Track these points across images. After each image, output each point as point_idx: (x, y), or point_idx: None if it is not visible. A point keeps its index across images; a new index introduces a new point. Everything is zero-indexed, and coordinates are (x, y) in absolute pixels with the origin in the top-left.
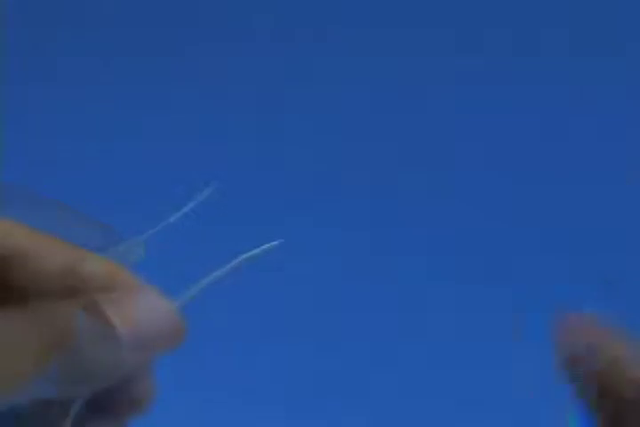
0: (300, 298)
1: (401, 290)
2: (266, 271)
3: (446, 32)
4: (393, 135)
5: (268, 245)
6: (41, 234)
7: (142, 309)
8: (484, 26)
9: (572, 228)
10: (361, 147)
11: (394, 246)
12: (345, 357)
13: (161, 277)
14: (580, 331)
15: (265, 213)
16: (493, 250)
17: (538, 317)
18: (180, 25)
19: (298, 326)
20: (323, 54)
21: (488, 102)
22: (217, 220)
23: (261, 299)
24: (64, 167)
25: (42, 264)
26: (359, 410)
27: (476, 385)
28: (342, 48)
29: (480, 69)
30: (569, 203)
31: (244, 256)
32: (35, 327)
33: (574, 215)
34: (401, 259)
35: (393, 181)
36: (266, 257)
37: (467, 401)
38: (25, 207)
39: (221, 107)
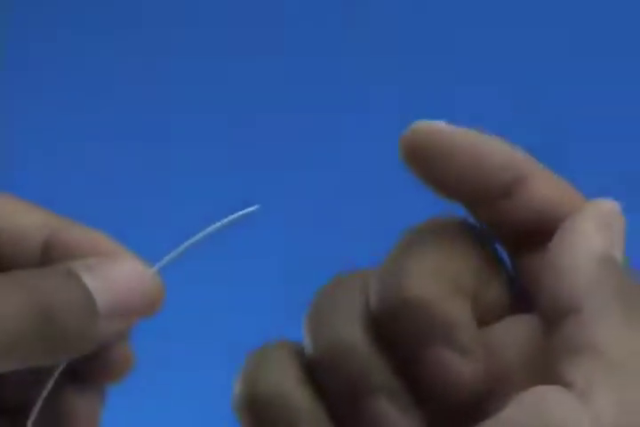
0: None
1: None
2: None
3: None
4: None
5: (245, 211)
6: (22, 202)
7: (120, 275)
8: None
9: None
10: None
11: None
12: None
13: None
14: None
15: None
16: None
17: None
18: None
19: None
20: None
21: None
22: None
23: None
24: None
25: (23, 232)
26: None
27: None
28: None
29: None
30: None
31: (221, 222)
32: (15, 294)
33: None
34: None
35: None
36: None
37: None
38: None
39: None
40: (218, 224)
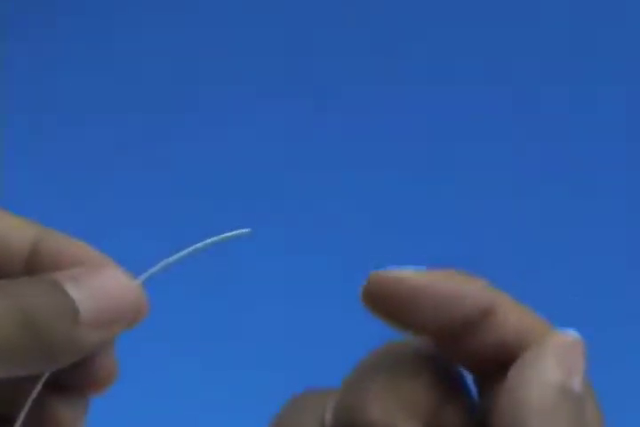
0: None
1: None
2: None
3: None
4: None
5: (234, 233)
6: (6, 213)
7: (103, 286)
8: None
9: None
10: None
11: None
12: None
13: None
14: None
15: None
16: None
17: None
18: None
19: None
20: None
21: None
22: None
23: None
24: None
25: (8, 242)
26: None
27: None
28: None
29: None
30: None
31: (209, 240)
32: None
33: None
34: None
35: None
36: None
37: None
38: None
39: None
40: (205, 242)
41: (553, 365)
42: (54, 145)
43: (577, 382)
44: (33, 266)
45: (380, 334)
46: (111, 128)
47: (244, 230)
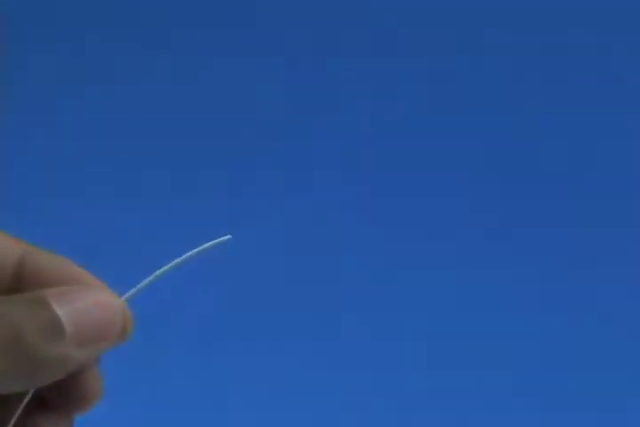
0: None
1: None
2: None
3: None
4: None
5: (216, 240)
6: None
7: (90, 304)
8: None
9: None
10: None
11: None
12: None
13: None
14: None
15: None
16: None
17: None
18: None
19: None
20: None
21: None
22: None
23: None
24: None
25: None
26: None
27: None
28: None
29: None
30: None
31: (193, 251)
32: None
33: None
34: None
35: None
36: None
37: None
38: None
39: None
40: (188, 254)
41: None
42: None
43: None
44: (19, 282)
45: None
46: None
47: (223, 238)
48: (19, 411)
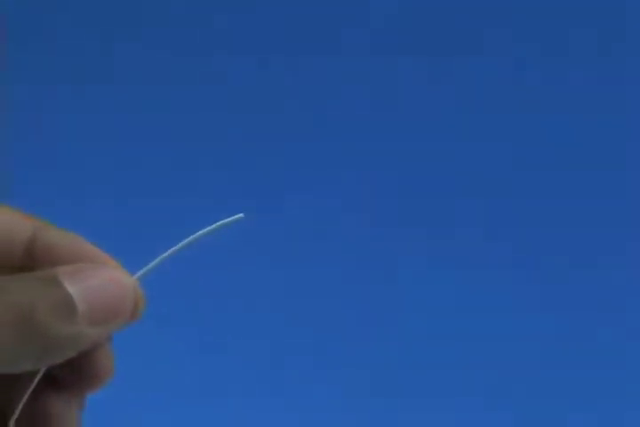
0: None
1: None
2: None
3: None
4: None
5: (226, 220)
6: (4, 206)
7: (102, 283)
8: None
9: None
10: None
11: None
12: None
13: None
14: None
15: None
16: None
17: None
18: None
19: None
20: None
21: None
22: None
23: None
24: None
25: (6, 235)
26: None
27: None
28: None
29: None
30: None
31: (203, 231)
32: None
33: None
34: None
35: None
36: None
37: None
38: None
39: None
40: (200, 232)
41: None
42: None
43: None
44: (31, 259)
45: None
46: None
47: (236, 216)
48: (30, 389)
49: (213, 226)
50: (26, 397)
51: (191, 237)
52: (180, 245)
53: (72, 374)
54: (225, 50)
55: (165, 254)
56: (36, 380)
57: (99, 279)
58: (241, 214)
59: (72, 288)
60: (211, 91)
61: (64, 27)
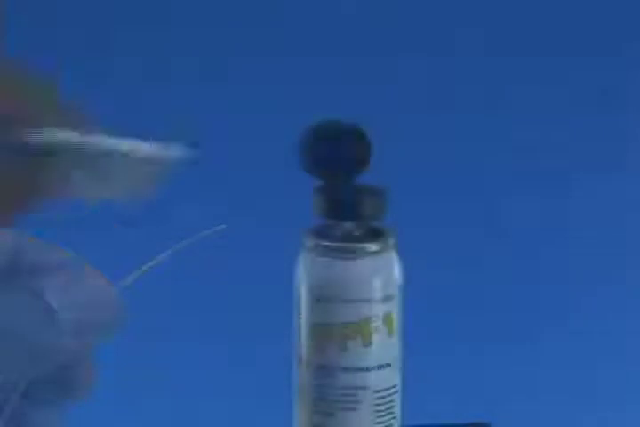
0: None
1: None
2: None
3: None
4: None
5: (209, 231)
6: None
7: (83, 294)
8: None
9: None
10: None
11: None
12: None
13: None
14: None
15: None
16: None
17: None
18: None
19: None
20: None
21: None
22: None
23: None
24: None
25: None
26: None
27: None
28: None
29: None
30: None
31: (185, 241)
32: None
33: None
34: None
35: None
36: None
37: None
38: None
39: None
40: (180, 244)
41: None
42: None
43: None
44: (12, 271)
45: None
46: None
47: (217, 227)
48: (13, 400)
49: (193, 237)
50: (8, 410)
51: (173, 248)
52: (163, 255)
53: (53, 387)
54: (225, 50)
55: (147, 265)
56: (19, 390)
57: (81, 291)
58: (223, 225)
59: (54, 299)
60: (212, 90)
61: (64, 26)
